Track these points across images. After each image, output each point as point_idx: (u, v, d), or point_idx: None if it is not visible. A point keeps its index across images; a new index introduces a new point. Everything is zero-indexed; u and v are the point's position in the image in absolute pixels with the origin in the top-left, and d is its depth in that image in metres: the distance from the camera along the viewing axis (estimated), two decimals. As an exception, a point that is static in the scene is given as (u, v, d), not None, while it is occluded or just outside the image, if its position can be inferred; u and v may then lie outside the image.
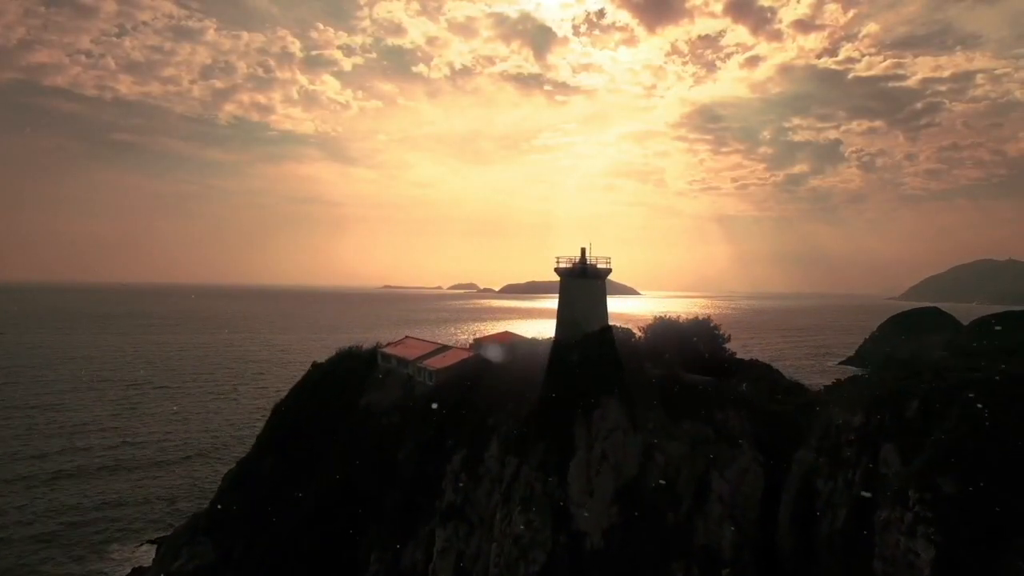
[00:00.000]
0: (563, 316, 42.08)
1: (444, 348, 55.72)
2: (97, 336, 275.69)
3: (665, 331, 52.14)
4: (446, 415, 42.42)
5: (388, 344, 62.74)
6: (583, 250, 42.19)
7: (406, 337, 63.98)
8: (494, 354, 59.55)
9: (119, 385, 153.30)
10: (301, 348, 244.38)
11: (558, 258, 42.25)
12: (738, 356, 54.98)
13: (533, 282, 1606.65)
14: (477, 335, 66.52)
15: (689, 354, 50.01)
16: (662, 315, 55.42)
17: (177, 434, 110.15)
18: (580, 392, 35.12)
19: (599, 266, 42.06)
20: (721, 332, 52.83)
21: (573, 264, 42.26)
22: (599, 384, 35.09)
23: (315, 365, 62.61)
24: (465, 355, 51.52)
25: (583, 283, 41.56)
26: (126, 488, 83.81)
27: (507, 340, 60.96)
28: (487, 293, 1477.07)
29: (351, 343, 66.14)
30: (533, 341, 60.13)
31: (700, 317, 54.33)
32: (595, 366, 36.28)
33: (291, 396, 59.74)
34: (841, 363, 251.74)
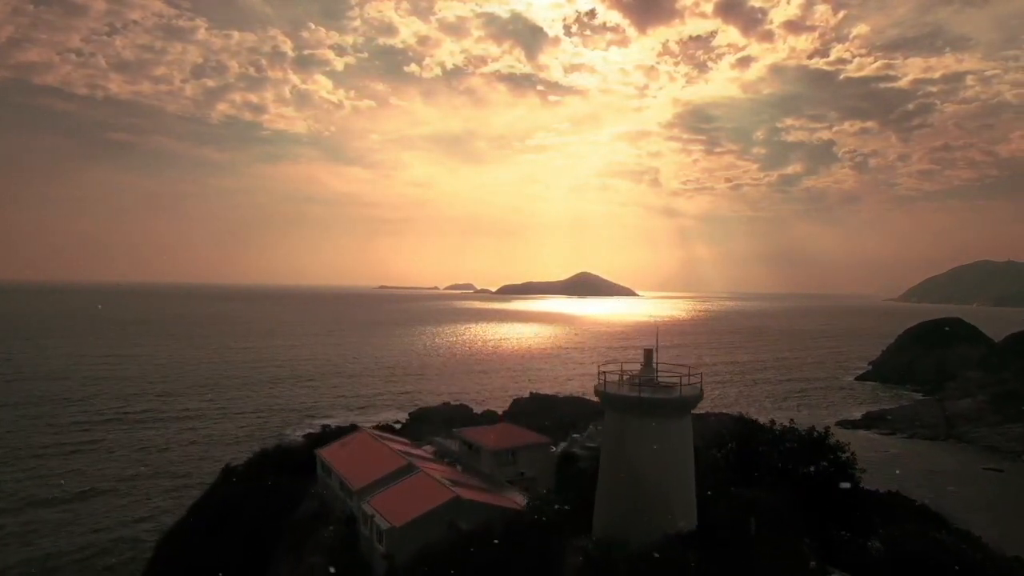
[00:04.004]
0: (610, 486, 22.03)
1: (409, 469, 35.65)
2: (77, 343, 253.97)
3: (760, 449, 32.97)
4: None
5: (335, 441, 43.07)
6: (648, 353, 22.60)
7: (360, 431, 44.04)
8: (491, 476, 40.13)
9: (76, 411, 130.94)
10: (288, 359, 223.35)
11: (602, 370, 22.62)
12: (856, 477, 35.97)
13: (530, 283, 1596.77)
14: (460, 429, 46.44)
15: (801, 490, 31.04)
16: (742, 414, 36.21)
17: (101, 505, 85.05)
18: None
19: (684, 386, 21.92)
20: (847, 454, 33.50)
21: (627, 380, 22.48)
22: None
23: (226, 472, 43.12)
24: (440, 498, 31.43)
25: (655, 426, 21.43)
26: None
27: (506, 442, 41.36)
28: (484, 294, 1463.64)
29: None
30: (547, 449, 40.68)
31: (809, 431, 34.76)
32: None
33: (181, 535, 40.03)
34: (858, 378, 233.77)
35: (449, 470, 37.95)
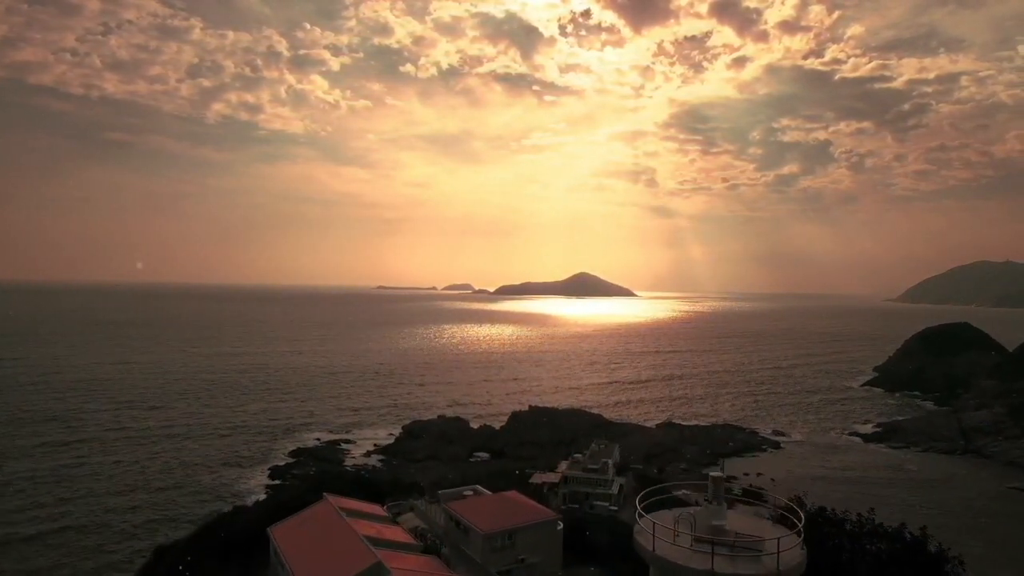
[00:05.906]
0: None
1: (376, 572, 27.69)
2: (67, 348, 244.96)
3: (842, 556, 24.95)
4: None
5: (292, 516, 34.84)
6: (717, 483, 14.35)
7: (324, 502, 35.69)
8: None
9: (57, 427, 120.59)
10: (282, 366, 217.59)
11: (644, 514, 14.33)
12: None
13: (528, 283, 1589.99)
14: (448, 498, 38.00)
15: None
16: (816, 505, 27.96)
17: (65, 545, 74.67)
18: None
19: (782, 551, 13.09)
20: (953, 563, 25.62)
21: (686, 526, 13.98)
22: None
23: (158, 555, 35.08)
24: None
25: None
26: None
27: (502, 522, 33.26)
28: (482, 294, 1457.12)
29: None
30: (552, 527, 32.63)
31: (899, 530, 26.61)
32: None
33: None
34: (864, 384, 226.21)
35: (428, 564, 29.89)
